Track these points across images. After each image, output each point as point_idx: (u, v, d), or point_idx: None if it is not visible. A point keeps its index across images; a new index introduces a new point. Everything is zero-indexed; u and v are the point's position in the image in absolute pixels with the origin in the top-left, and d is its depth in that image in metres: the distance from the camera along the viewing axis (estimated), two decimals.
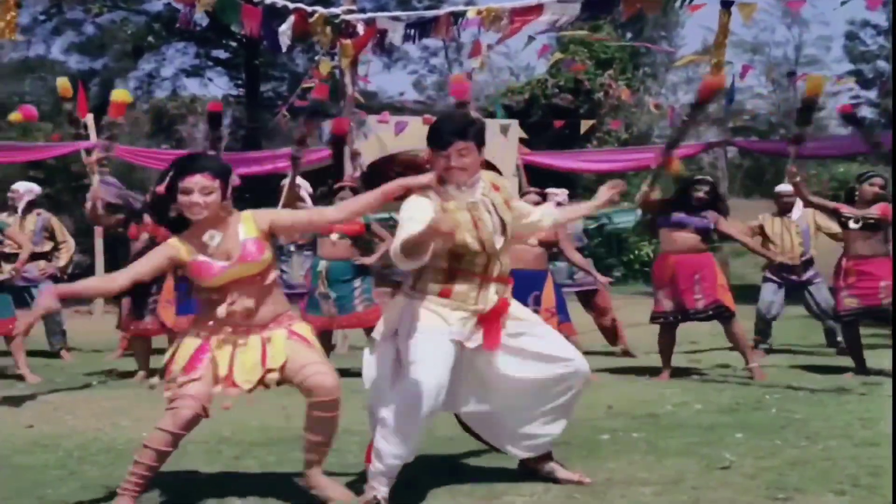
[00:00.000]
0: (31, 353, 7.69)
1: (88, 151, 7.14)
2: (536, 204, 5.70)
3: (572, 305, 7.60)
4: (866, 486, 3.60)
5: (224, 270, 3.46)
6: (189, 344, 3.54)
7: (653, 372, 6.95)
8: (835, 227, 7.43)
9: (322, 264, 7.22)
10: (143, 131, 24.89)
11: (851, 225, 6.79)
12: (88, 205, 7.22)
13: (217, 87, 28.07)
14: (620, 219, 8.13)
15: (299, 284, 8.27)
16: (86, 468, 4.17)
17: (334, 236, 7.21)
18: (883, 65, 29.30)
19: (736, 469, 3.94)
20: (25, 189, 8.47)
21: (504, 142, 10.98)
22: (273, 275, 3.62)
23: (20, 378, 7.02)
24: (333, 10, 8.53)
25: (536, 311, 5.71)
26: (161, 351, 7.31)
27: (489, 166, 9.54)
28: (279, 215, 3.70)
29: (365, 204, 3.62)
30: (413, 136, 10.97)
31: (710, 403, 5.66)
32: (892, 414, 4.37)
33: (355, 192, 7.75)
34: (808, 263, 8.19)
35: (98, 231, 11.29)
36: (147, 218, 7.05)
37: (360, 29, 8.28)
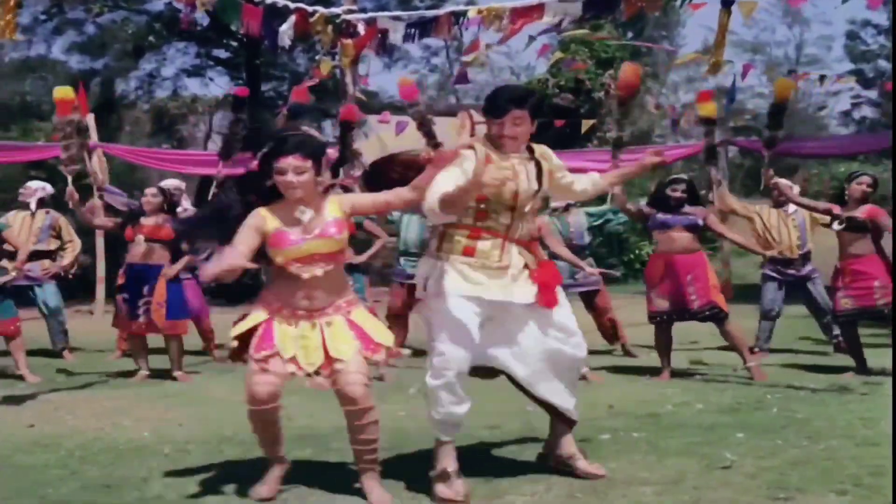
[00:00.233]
0: (33, 353, 7.69)
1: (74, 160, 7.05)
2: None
3: (575, 305, 7.59)
4: (868, 486, 3.60)
5: (302, 242, 3.58)
6: (257, 322, 3.65)
7: (653, 372, 6.95)
8: (822, 205, 7.46)
9: None
10: (143, 131, 24.91)
11: (835, 227, 6.82)
12: (88, 216, 7.25)
13: (218, 86, 28.03)
14: (619, 220, 8.12)
15: None
16: (87, 468, 4.17)
17: None
18: (884, 64, 29.27)
19: (737, 469, 3.94)
20: (38, 186, 8.55)
21: None
22: (344, 259, 3.80)
23: (21, 378, 7.01)
24: (334, 9, 8.52)
25: None
26: (159, 350, 7.37)
27: None
28: (359, 198, 3.90)
29: (428, 178, 3.65)
30: (414, 136, 10.96)
31: (711, 403, 5.66)
32: (893, 414, 4.37)
33: (346, 190, 7.74)
34: (806, 258, 8.20)
35: (99, 231, 11.30)
36: (143, 220, 7.06)
37: (361, 29, 8.27)
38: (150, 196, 7.11)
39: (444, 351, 3.65)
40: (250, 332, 3.68)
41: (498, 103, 3.77)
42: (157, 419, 5.35)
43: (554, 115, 14.31)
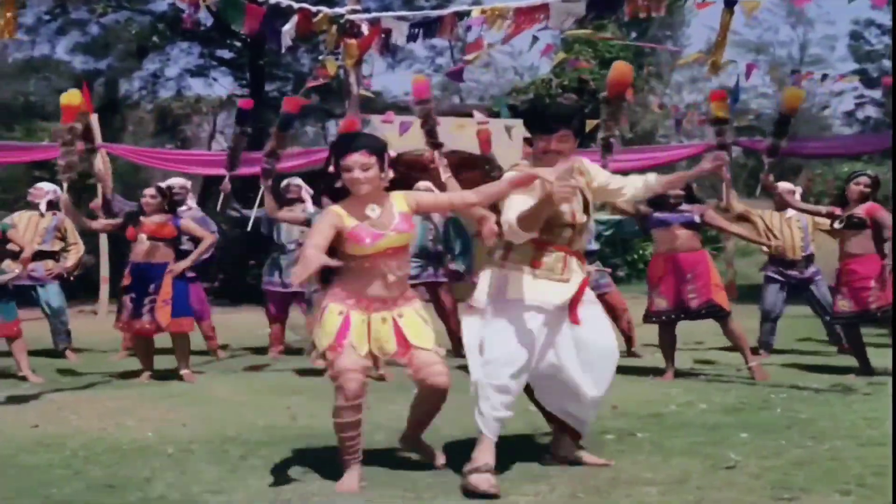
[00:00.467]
0: (36, 353, 7.71)
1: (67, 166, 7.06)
2: None
3: None
4: (872, 486, 3.60)
5: (379, 238, 3.78)
6: (333, 318, 3.78)
7: (657, 372, 6.95)
8: (820, 209, 7.46)
9: None
10: (147, 131, 24.93)
11: (835, 225, 6.84)
12: (85, 222, 7.27)
13: (221, 86, 28.04)
14: (629, 228, 8.10)
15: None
16: (90, 468, 4.17)
17: None
18: (888, 64, 29.18)
19: (741, 469, 3.94)
20: (50, 189, 8.57)
21: (509, 142, 10.97)
22: (409, 252, 4.03)
23: (24, 378, 7.02)
24: (338, 10, 8.52)
25: None
26: (163, 351, 7.38)
27: (494, 166, 9.58)
28: (424, 196, 4.14)
29: (498, 191, 3.87)
30: (417, 136, 10.95)
31: (715, 403, 5.65)
32: (893, 414, 4.36)
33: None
34: (809, 260, 8.19)
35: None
36: (143, 219, 7.05)
37: (365, 29, 8.27)
38: (149, 197, 7.09)
39: (505, 352, 3.78)
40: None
41: (546, 121, 3.93)
42: (160, 419, 5.36)
43: None
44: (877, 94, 24.78)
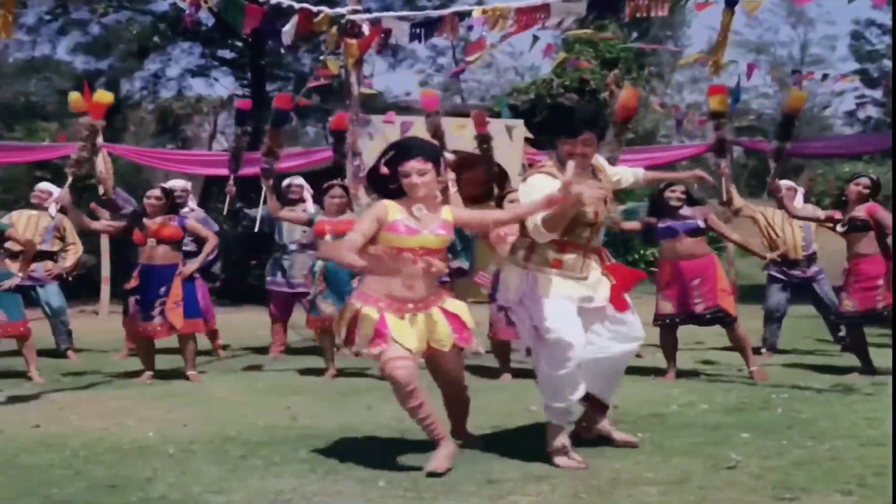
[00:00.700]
0: (37, 353, 7.69)
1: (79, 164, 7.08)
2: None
3: None
4: (872, 486, 3.59)
5: (415, 234, 4.02)
6: (369, 318, 3.99)
7: (658, 372, 6.95)
8: (819, 214, 7.43)
9: (319, 264, 7.21)
10: (148, 131, 24.92)
11: (838, 228, 6.86)
12: (85, 221, 7.27)
13: (223, 86, 28.04)
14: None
15: (300, 284, 8.27)
16: (91, 468, 4.17)
17: (328, 237, 7.20)
18: (889, 64, 29.18)
19: (742, 469, 3.94)
20: (55, 190, 8.55)
21: (509, 142, 10.98)
22: (444, 256, 4.21)
23: (27, 377, 7.02)
24: (339, 9, 8.52)
25: None
26: (166, 351, 7.38)
27: (496, 167, 9.57)
28: (462, 211, 4.40)
29: (528, 209, 4.02)
30: (418, 136, 10.96)
31: (716, 403, 5.65)
32: (893, 414, 4.36)
33: (346, 190, 7.74)
34: (812, 259, 8.18)
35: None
36: (147, 221, 7.02)
37: (366, 29, 8.27)
38: (154, 199, 7.07)
39: (562, 342, 3.98)
40: (352, 323, 4.08)
41: (572, 124, 4.12)
42: (161, 419, 5.36)
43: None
44: (877, 94, 24.81)
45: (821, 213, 7.33)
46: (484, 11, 7.64)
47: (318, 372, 7.17)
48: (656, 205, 6.99)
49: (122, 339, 8.54)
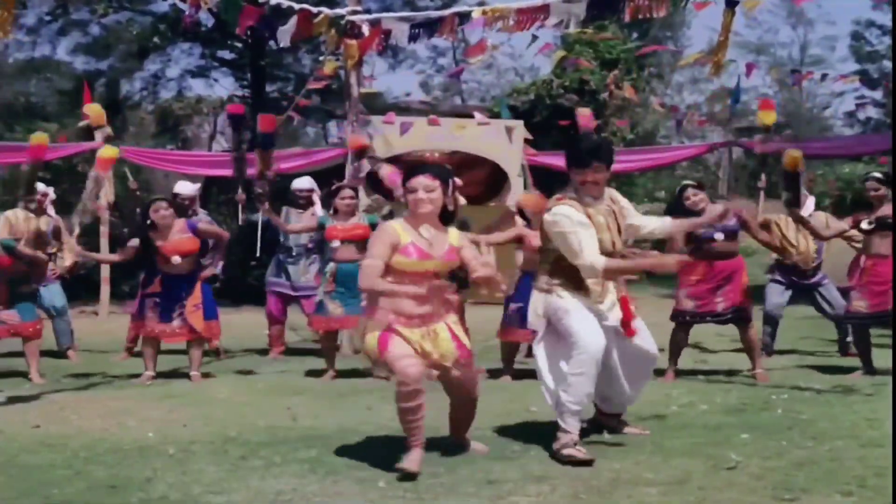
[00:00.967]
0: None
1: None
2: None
3: None
4: (873, 487, 3.60)
5: (427, 259, 4.12)
6: (374, 334, 4.10)
7: (658, 372, 6.93)
8: (843, 226, 7.31)
9: (331, 265, 7.21)
10: (148, 132, 24.89)
11: (864, 226, 6.79)
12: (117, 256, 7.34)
13: (223, 87, 28.07)
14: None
15: (303, 286, 8.25)
16: (92, 468, 4.18)
17: (335, 243, 7.21)
18: (889, 65, 29.17)
19: (742, 469, 3.94)
20: (48, 190, 8.54)
21: (509, 143, 11.00)
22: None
23: (27, 378, 7.02)
24: (338, 10, 8.52)
25: None
26: (166, 351, 7.37)
27: (496, 167, 9.61)
28: (470, 251, 4.42)
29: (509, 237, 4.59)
30: (418, 137, 10.95)
31: (717, 404, 5.65)
32: (893, 415, 4.36)
33: (356, 191, 7.73)
34: (817, 267, 8.13)
35: (103, 231, 11.29)
36: (167, 245, 6.96)
37: (365, 30, 8.27)
38: (164, 210, 6.96)
39: (584, 343, 4.23)
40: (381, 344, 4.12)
41: (581, 156, 4.37)
42: (161, 420, 5.36)
43: (559, 116, 14.30)
44: (877, 94, 24.81)
45: (844, 224, 7.19)
46: (484, 12, 7.64)
47: (319, 373, 7.16)
48: (677, 209, 6.78)
49: (122, 339, 8.53)
